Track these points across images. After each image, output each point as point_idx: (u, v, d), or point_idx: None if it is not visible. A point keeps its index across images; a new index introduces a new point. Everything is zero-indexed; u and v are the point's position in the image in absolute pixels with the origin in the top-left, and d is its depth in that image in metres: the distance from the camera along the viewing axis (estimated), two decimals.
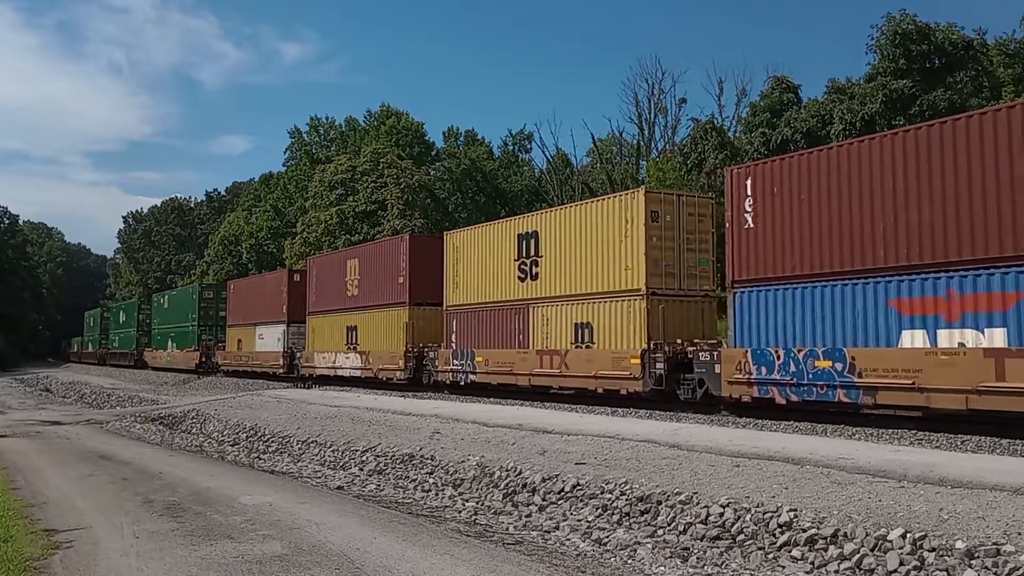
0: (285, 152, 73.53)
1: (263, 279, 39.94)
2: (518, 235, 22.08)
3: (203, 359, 43.58)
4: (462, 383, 23.34)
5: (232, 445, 17.85)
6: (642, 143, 51.72)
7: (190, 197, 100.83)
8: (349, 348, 29.75)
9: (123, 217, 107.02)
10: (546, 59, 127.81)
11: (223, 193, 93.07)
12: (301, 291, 33.89)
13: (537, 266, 21.23)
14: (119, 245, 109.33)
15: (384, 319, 27.50)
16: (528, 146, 63.21)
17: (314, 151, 67.31)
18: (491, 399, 21.62)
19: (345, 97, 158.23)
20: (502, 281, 22.38)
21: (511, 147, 63.17)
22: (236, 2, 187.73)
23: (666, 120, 51.44)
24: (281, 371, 34.34)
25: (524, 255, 21.69)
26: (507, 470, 11.12)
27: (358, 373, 28.81)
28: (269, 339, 36.05)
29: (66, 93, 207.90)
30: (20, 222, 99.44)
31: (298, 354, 33.62)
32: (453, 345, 24.07)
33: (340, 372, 29.95)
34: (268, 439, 17.44)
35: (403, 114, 62.66)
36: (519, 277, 21.78)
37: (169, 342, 49.51)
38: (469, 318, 23.75)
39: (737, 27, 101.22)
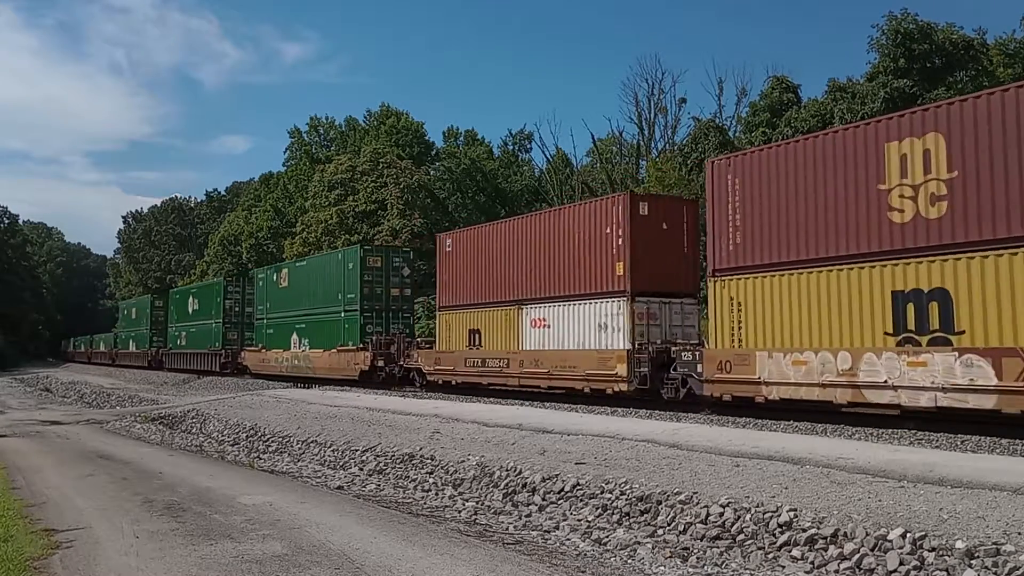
0: (285, 152, 73.66)
1: (554, 216, 21.55)
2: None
3: (381, 363, 27.47)
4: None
5: (232, 445, 17.85)
6: (642, 143, 51.73)
7: (190, 197, 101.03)
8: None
9: (123, 217, 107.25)
10: (546, 59, 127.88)
11: (223, 193, 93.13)
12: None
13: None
14: (119, 245, 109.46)
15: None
16: (528, 146, 63.30)
17: (314, 151, 67.33)
18: (491, 399, 21.63)
19: (345, 97, 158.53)
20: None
21: (511, 147, 63.21)
22: (236, 2, 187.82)
23: (666, 120, 51.44)
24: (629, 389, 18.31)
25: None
26: (507, 470, 11.13)
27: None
28: (583, 324, 19.80)
29: (66, 93, 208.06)
30: (20, 222, 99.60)
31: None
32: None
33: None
34: (268, 439, 17.45)
35: (403, 114, 62.71)
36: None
37: (299, 337, 33.53)
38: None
39: (737, 27, 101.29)
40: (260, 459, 15.47)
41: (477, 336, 23.41)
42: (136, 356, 57.84)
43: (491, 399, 21.57)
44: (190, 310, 46.12)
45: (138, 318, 59.15)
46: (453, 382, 23.97)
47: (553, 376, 20.24)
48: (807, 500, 8.06)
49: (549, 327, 20.79)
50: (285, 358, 34.33)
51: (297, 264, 36.80)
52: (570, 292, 20.20)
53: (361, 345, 28.72)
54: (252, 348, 38.04)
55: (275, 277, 36.72)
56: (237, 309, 41.23)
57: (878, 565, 6.80)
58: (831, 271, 14.04)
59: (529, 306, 21.50)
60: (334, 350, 30.40)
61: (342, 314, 30.41)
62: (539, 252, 21.25)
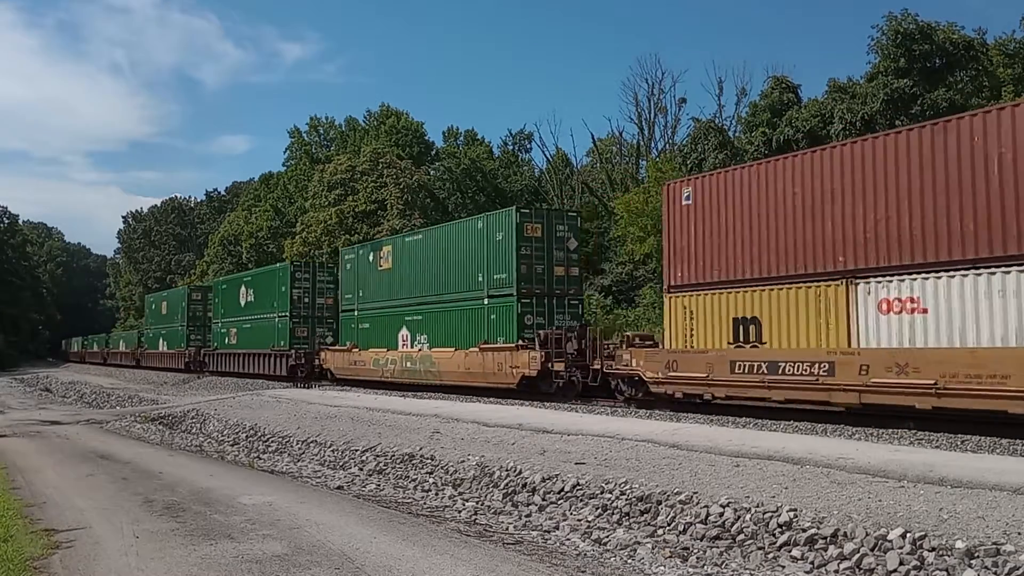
0: (285, 152, 73.69)
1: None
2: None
3: (558, 365, 20.63)
4: None
5: (232, 445, 17.85)
6: (642, 143, 51.71)
7: (190, 197, 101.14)
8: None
9: (123, 217, 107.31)
10: (546, 59, 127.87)
11: (223, 193, 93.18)
12: None
13: None
14: (119, 245, 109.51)
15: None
16: (528, 146, 63.21)
17: (314, 151, 67.37)
18: (491, 399, 21.62)
19: (345, 97, 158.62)
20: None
21: (511, 147, 63.18)
22: (237, 2, 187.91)
23: (666, 120, 51.40)
24: None
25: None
26: (507, 470, 11.12)
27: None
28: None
29: (67, 93, 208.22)
30: (20, 222, 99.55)
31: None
32: None
33: None
34: (268, 439, 17.45)
35: (403, 114, 62.71)
36: None
37: (412, 333, 26.33)
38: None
39: (737, 27, 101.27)
40: (260, 459, 15.47)
41: (751, 327, 16.05)
42: (168, 357, 50.21)
43: (491, 399, 21.56)
44: (242, 302, 38.73)
45: (170, 313, 51.21)
46: (705, 396, 16.65)
47: (946, 391, 12.55)
48: (807, 500, 8.06)
49: (927, 312, 13.18)
50: (391, 360, 26.83)
51: (407, 239, 28.25)
52: (988, 255, 12.48)
53: (522, 342, 21.58)
54: (337, 348, 30.83)
55: (371, 257, 28.88)
56: (307, 300, 34.05)
57: (878, 565, 6.80)
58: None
59: (875, 279, 13.92)
60: (473, 349, 23.03)
61: (485, 301, 22.97)
62: (909, 188, 13.54)
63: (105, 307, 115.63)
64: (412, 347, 26.12)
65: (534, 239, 22.48)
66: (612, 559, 7.90)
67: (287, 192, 63.36)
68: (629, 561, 7.83)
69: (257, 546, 7.44)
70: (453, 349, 24.09)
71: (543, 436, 12.97)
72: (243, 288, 39.14)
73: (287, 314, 33.90)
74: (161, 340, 52.78)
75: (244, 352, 38.05)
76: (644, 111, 51.33)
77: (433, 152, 62.30)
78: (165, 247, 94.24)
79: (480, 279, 23.39)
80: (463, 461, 12.05)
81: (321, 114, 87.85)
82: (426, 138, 62.87)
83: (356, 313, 29.82)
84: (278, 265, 37.49)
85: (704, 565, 7.62)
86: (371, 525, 8.56)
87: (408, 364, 26.06)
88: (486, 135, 70.60)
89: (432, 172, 56.25)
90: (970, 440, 11.87)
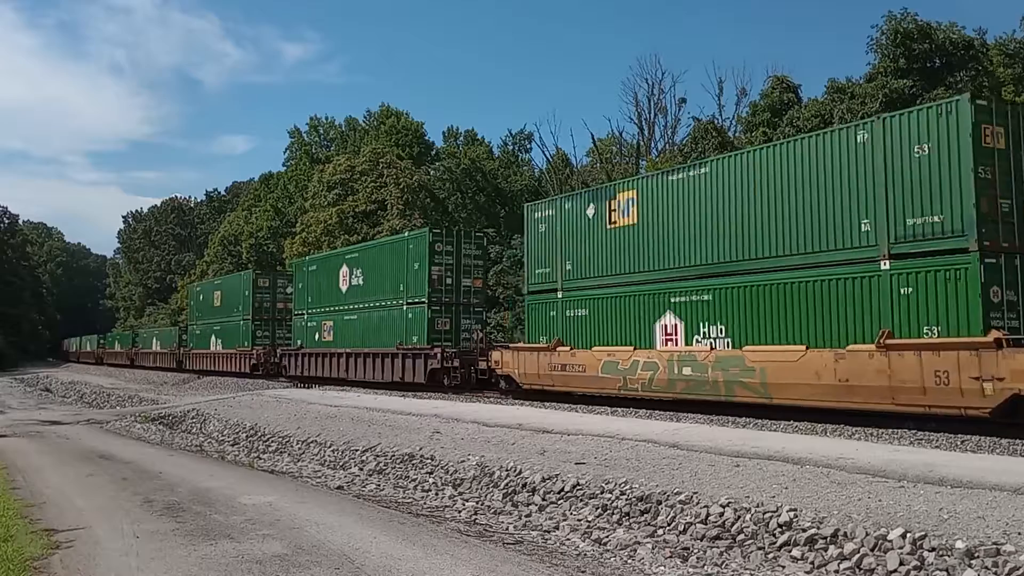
0: (285, 152, 73.78)
1: None
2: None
3: None
4: None
5: (232, 445, 17.85)
6: (642, 143, 51.79)
7: (190, 197, 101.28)
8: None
9: (123, 217, 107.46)
10: (546, 59, 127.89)
11: (223, 193, 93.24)
12: None
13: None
14: (119, 245, 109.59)
15: None
16: (528, 146, 63.28)
17: (314, 151, 67.42)
18: (490, 399, 21.61)
19: (345, 97, 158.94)
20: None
21: (511, 147, 63.21)
22: (237, 2, 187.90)
23: (666, 120, 51.52)
24: None
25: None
26: (507, 470, 11.12)
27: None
28: None
29: (67, 93, 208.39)
30: (20, 222, 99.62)
31: None
32: None
33: None
34: (268, 439, 17.44)
35: (403, 114, 62.76)
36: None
37: (709, 323, 16.51)
38: None
39: (737, 27, 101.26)
40: (260, 459, 15.47)
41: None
42: (224, 358, 40.80)
43: (491, 399, 21.56)
44: (343, 286, 30.84)
45: (227, 304, 41.80)
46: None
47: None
48: (807, 500, 8.06)
49: None
50: (643, 364, 17.74)
51: (674, 176, 17.95)
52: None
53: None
54: (525, 346, 21.61)
55: (592, 211, 19.82)
56: (449, 281, 25.87)
57: (878, 565, 6.80)
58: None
59: None
60: (860, 348, 13.50)
61: (886, 264, 13.47)
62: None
63: (105, 307, 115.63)
64: (690, 343, 16.94)
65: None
66: (612, 559, 7.90)
67: (287, 192, 63.40)
68: (629, 561, 7.83)
69: (257, 546, 7.44)
70: (803, 348, 14.49)
71: (543, 436, 12.97)
72: (344, 269, 30.84)
73: (423, 300, 25.40)
74: (214, 338, 43.36)
75: (347, 352, 29.87)
76: (644, 111, 51.48)
77: (433, 152, 62.33)
78: (165, 247, 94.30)
79: (867, 225, 13.80)
80: (463, 461, 12.05)
81: (321, 114, 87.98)
82: (426, 138, 62.95)
83: (560, 295, 20.54)
84: (409, 233, 28.19)
85: (704, 565, 7.62)
86: (371, 525, 8.56)
87: (685, 371, 16.73)
88: (486, 135, 70.84)
89: (432, 172, 56.27)
90: (970, 440, 11.87)
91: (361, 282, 29.85)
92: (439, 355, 24.72)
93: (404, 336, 26.53)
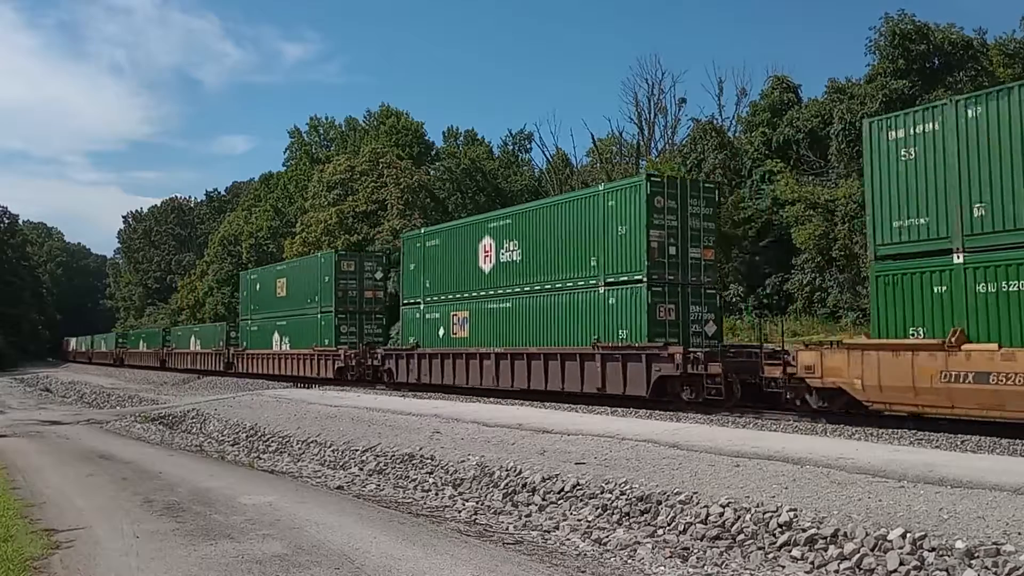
0: (285, 152, 73.76)
1: None
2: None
3: None
4: None
5: (232, 445, 17.85)
6: (642, 143, 51.80)
7: (190, 197, 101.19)
8: None
9: (123, 217, 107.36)
10: (546, 59, 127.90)
11: (223, 193, 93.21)
12: None
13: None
14: (119, 245, 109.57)
15: None
16: (528, 146, 63.31)
17: (314, 151, 67.39)
18: (491, 399, 21.61)
19: (345, 97, 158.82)
20: None
21: (511, 147, 63.22)
22: (238, 2, 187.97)
23: (666, 120, 51.51)
24: None
25: None
26: (507, 470, 11.12)
27: None
28: None
29: (67, 93, 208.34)
30: (20, 222, 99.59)
31: None
32: None
33: None
34: (268, 439, 17.45)
35: (403, 114, 62.74)
36: None
37: None
38: None
39: (737, 27, 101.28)
40: (260, 459, 15.47)
41: None
42: (295, 361, 33.31)
43: (491, 399, 21.55)
44: (484, 264, 23.14)
45: (296, 293, 34.66)
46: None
47: None
48: (807, 500, 8.06)
49: None
50: None
51: None
52: None
53: None
54: (875, 342, 13.46)
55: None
56: (673, 252, 18.27)
57: (878, 565, 6.80)
58: None
59: None
60: None
61: None
62: None
63: (105, 307, 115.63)
64: None
65: None
66: (612, 559, 7.90)
67: (287, 192, 63.37)
68: (629, 561, 7.83)
69: (257, 546, 7.43)
70: None
71: (543, 436, 12.97)
72: (487, 241, 23.12)
73: (639, 279, 18.05)
74: (277, 335, 35.89)
75: (494, 353, 22.24)
76: (644, 111, 51.47)
77: (433, 152, 62.31)
78: (165, 247, 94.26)
79: None
80: (463, 461, 12.05)
81: (321, 114, 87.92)
82: (426, 138, 62.92)
83: (960, 259, 12.44)
84: (607, 185, 20.31)
85: (704, 565, 7.62)
86: (371, 525, 8.56)
87: None
88: (486, 135, 70.73)
89: (432, 172, 56.26)
90: (970, 440, 11.87)
91: (517, 258, 21.91)
92: (676, 357, 17.07)
93: (603, 331, 18.87)
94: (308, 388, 29.73)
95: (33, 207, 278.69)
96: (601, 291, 19.17)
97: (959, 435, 12.24)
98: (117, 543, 7.66)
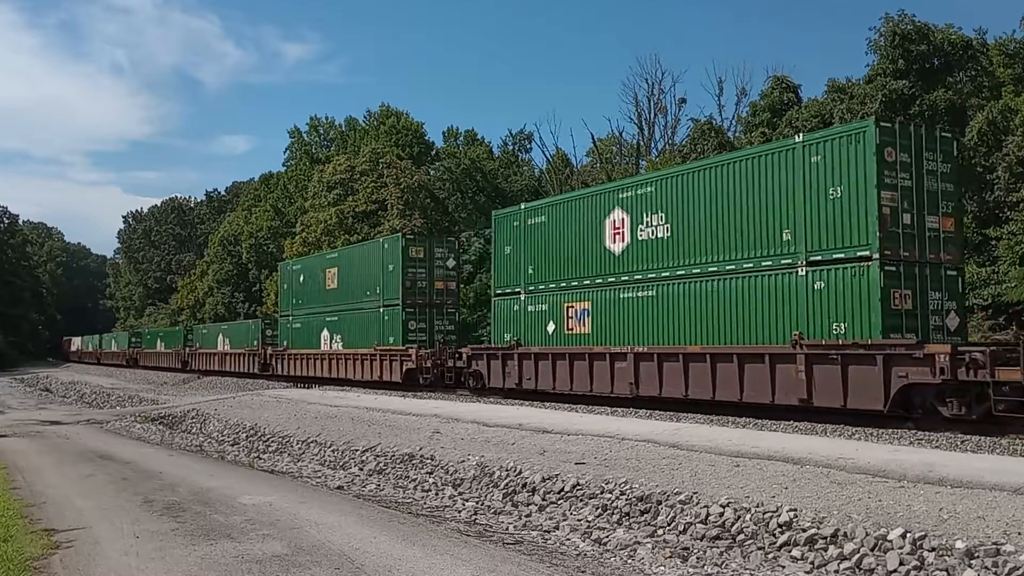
0: (285, 152, 73.76)
1: None
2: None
3: None
4: None
5: (232, 445, 17.85)
6: (642, 143, 51.80)
7: (190, 197, 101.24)
8: None
9: (123, 217, 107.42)
10: (546, 59, 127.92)
11: (223, 193, 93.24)
12: None
13: None
14: (119, 245, 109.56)
15: None
16: (528, 146, 63.29)
17: (314, 151, 67.40)
18: (491, 399, 21.60)
19: (345, 97, 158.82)
20: None
21: (511, 147, 63.22)
22: (238, 2, 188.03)
23: (666, 120, 51.50)
24: None
25: None
26: (507, 470, 11.12)
27: None
28: None
29: (67, 93, 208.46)
30: (20, 222, 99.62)
31: None
32: None
33: None
34: (268, 439, 17.44)
35: (403, 114, 62.74)
36: None
37: None
38: None
39: (737, 27, 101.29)
40: (260, 459, 15.47)
41: None
42: (351, 362, 29.43)
43: (491, 399, 21.55)
44: (614, 244, 18.97)
45: (350, 285, 30.70)
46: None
47: None
48: (807, 500, 8.06)
49: None
50: None
51: None
52: None
53: None
54: None
55: None
56: (908, 221, 14.18)
57: (878, 565, 6.80)
58: None
59: None
60: None
61: None
62: None
63: (105, 307, 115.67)
64: None
65: None
66: (612, 559, 7.90)
67: (287, 192, 63.36)
68: (629, 561, 7.83)
69: (257, 546, 7.44)
70: None
71: (543, 436, 12.97)
72: (616, 216, 18.90)
73: (870, 256, 13.94)
74: (327, 333, 32.11)
75: (632, 352, 17.89)
76: (644, 111, 51.45)
77: (433, 152, 62.30)
78: (165, 247, 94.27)
79: None
80: (463, 461, 12.05)
81: (321, 114, 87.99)
82: (426, 138, 62.90)
83: None
84: (800, 137, 15.74)
85: (704, 565, 7.62)
86: (371, 525, 8.56)
87: None
88: (486, 135, 70.87)
89: (432, 172, 56.26)
90: (970, 440, 11.87)
91: (663, 234, 17.71)
92: (939, 359, 12.75)
93: (807, 323, 14.75)
94: (308, 388, 29.65)
95: (33, 207, 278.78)
96: (801, 273, 14.93)
97: (959, 435, 12.24)
98: (117, 543, 7.66)
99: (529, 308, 21.55)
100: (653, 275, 17.86)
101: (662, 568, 7.60)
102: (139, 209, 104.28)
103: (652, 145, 51.14)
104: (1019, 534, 6.48)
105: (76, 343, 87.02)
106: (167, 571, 6.67)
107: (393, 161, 50.17)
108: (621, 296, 18.65)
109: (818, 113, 31.63)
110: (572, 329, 19.94)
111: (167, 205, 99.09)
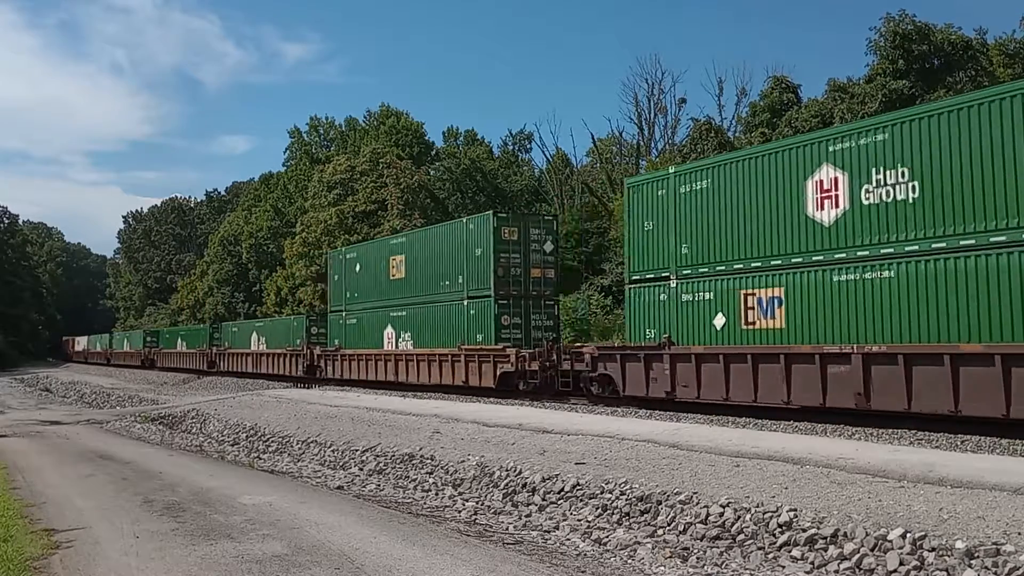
0: (285, 152, 73.79)
1: None
2: None
3: None
4: None
5: (232, 445, 17.85)
6: (642, 143, 51.84)
7: (190, 197, 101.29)
8: None
9: (123, 217, 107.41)
10: (546, 59, 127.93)
11: (223, 193, 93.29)
12: None
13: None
14: (119, 245, 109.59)
15: None
16: (528, 146, 63.38)
17: (314, 151, 67.42)
18: (491, 399, 21.60)
19: (345, 97, 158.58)
20: None
21: (511, 147, 63.27)
22: (238, 2, 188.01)
23: (666, 120, 51.54)
24: None
25: None
26: (507, 470, 11.12)
27: None
28: None
29: (67, 93, 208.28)
30: (20, 222, 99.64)
31: None
32: None
33: None
34: (268, 439, 17.45)
35: (403, 114, 62.78)
36: None
37: None
38: None
39: (737, 27, 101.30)
40: (260, 459, 15.47)
41: None
42: (420, 363, 25.53)
43: (491, 399, 21.55)
44: (821, 213, 14.40)
45: (422, 273, 26.63)
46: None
47: None
48: (807, 500, 8.06)
49: None
50: None
51: None
52: None
53: None
54: None
55: None
56: None
57: (878, 565, 6.80)
58: None
59: None
60: None
61: None
62: None
63: (105, 307, 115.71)
64: None
65: None
66: (612, 559, 7.90)
67: (287, 192, 63.40)
68: (629, 561, 7.83)
69: (257, 546, 7.44)
70: None
71: (543, 436, 12.97)
72: (825, 174, 14.49)
73: None
74: (391, 330, 27.92)
75: (869, 352, 13.33)
76: (644, 111, 51.50)
77: (433, 152, 62.33)
78: (165, 247, 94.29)
79: None
80: (463, 461, 12.05)
81: (321, 114, 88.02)
82: (426, 138, 62.94)
83: None
84: None
85: (704, 565, 7.62)
86: (371, 525, 8.56)
87: None
88: (486, 135, 70.93)
89: (432, 172, 56.27)
90: (970, 440, 11.87)
91: (906, 195, 13.26)
92: None
93: None
94: (308, 388, 29.63)
95: (33, 207, 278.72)
96: None
97: (959, 435, 12.23)
98: (117, 543, 7.66)
99: (684, 297, 17.06)
100: (890, 249, 13.39)
101: (662, 568, 7.60)
102: (139, 209, 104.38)
103: (652, 145, 51.19)
104: (1019, 534, 6.48)
105: (82, 343, 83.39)
106: (167, 571, 6.67)
107: (393, 161, 50.20)
108: (835, 279, 14.22)
109: (818, 113, 31.68)
110: (753, 323, 15.61)
111: (167, 205, 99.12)
